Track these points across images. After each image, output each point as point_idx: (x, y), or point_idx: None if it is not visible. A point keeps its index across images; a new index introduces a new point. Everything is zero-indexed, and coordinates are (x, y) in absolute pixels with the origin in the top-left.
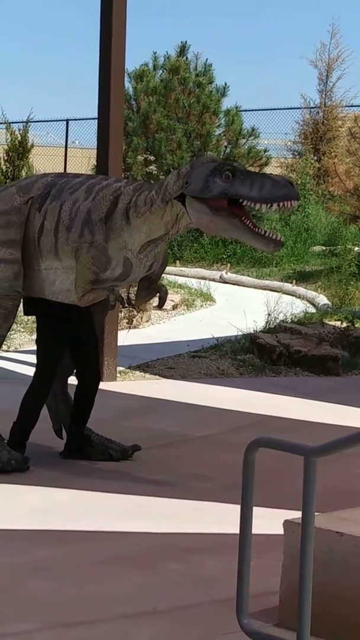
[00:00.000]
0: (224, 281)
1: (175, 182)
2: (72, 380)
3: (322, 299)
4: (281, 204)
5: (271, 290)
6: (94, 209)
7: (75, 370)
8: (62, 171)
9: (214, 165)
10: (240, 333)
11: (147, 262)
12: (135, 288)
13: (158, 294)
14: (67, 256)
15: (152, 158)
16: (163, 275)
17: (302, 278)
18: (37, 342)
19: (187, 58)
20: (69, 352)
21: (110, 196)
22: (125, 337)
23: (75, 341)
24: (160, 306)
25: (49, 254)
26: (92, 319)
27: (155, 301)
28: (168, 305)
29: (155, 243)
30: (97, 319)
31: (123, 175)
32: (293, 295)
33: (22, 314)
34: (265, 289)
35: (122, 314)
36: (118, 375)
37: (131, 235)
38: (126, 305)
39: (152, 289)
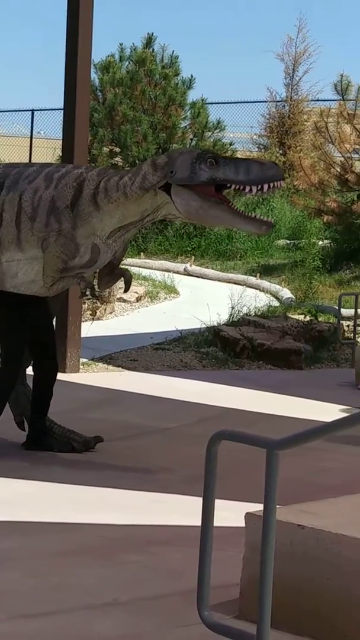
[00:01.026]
0: (188, 274)
1: (155, 173)
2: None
3: (286, 293)
4: (271, 184)
5: (235, 283)
6: (58, 197)
7: (32, 361)
8: (28, 161)
9: (196, 153)
10: (203, 326)
11: (115, 248)
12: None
13: (123, 278)
14: (31, 246)
15: (117, 150)
16: (127, 267)
17: (266, 271)
18: None
19: (153, 50)
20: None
21: (73, 183)
22: (89, 329)
23: (33, 332)
24: (126, 290)
25: (10, 245)
26: (49, 308)
27: (118, 292)
28: (132, 297)
29: (127, 229)
30: (52, 308)
31: None
32: (257, 289)
33: None
34: (229, 282)
35: (86, 305)
36: (81, 367)
37: (101, 220)
38: (96, 294)
39: (115, 274)
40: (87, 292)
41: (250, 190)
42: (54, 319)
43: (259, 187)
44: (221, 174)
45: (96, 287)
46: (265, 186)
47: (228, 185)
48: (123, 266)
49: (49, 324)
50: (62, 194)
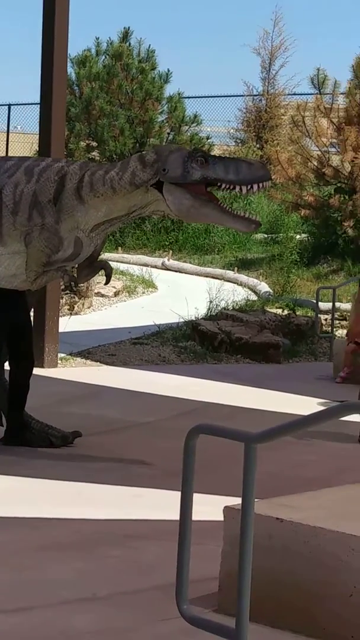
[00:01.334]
0: (166, 268)
1: (144, 170)
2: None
3: (264, 287)
4: (260, 184)
5: (213, 277)
6: (40, 191)
7: (9, 356)
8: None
9: (187, 151)
10: (181, 320)
11: (98, 241)
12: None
13: (104, 271)
14: (13, 241)
15: (94, 144)
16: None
17: (244, 265)
18: None
19: (130, 44)
20: None
21: (54, 177)
22: (67, 324)
23: (11, 326)
24: (107, 282)
25: None
26: (27, 303)
27: (96, 287)
28: (110, 291)
29: (111, 223)
30: (29, 302)
31: None
32: (235, 283)
33: None
34: (207, 276)
35: (64, 300)
36: (59, 361)
37: (86, 214)
38: (75, 288)
39: (94, 266)
40: (68, 286)
41: (241, 189)
42: (31, 313)
43: (249, 186)
44: (212, 173)
45: (74, 287)
46: (255, 186)
47: (218, 184)
48: (102, 259)
49: (26, 318)
50: (44, 188)
